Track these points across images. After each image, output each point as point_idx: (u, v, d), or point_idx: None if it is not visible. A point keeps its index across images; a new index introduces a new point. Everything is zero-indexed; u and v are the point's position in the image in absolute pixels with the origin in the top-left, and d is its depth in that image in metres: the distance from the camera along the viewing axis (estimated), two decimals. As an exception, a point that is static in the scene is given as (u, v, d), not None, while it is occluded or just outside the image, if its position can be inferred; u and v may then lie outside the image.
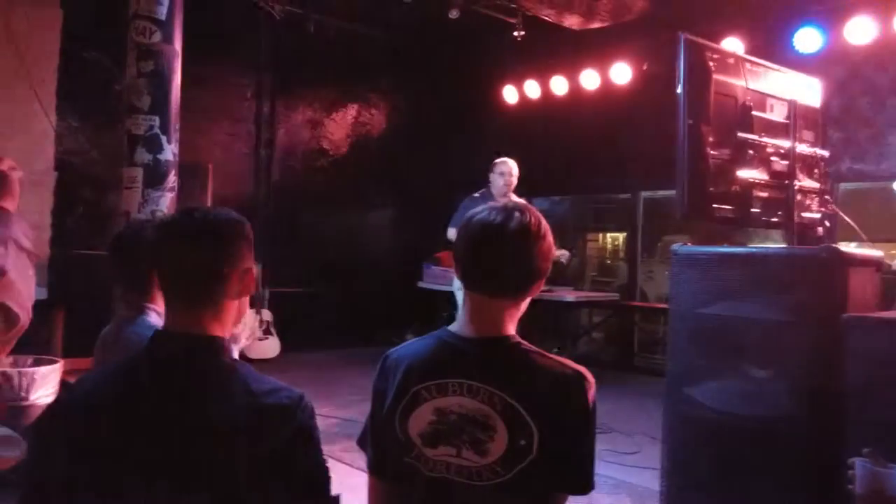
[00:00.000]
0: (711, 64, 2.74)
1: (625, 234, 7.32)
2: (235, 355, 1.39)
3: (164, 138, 3.27)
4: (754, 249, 2.11)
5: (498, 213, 1.37)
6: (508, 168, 5.09)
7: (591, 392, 1.34)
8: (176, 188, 3.44)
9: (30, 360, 4.81)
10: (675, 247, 2.01)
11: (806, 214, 2.89)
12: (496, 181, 5.10)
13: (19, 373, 4.40)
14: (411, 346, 1.47)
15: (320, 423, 1.31)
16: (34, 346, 5.19)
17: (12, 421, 4.39)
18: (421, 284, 7.17)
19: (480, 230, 1.37)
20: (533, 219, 1.37)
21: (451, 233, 4.81)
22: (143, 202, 3.29)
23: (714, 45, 2.91)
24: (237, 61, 6.77)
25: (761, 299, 1.68)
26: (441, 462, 1.33)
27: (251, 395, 1.20)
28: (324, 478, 1.27)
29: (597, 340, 7.07)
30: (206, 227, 1.27)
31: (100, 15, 5.58)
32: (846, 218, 3.02)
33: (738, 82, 2.83)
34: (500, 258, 1.36)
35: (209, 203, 5.43)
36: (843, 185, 5.51)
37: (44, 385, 4.48)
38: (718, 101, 2.73)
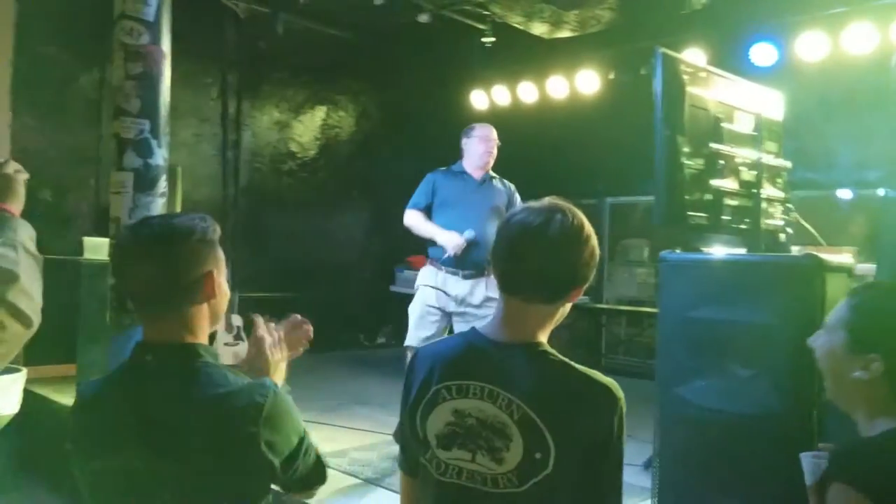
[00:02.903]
0: (685, 77, 2.86)
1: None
2: (226, 360, 1.42)
3: (154, 142, 3.23)
4: (739, 256, 2.23)
5: (538, 214, 1.31)
6: (489, 133, 4.12)
7: (619, 409, 1.27)
8: (167, 193, 3.41)
9: (-11, 367, 4.69)
10: (664, 253, 2.11)
11: (769, 222, 3.04)
12: (475, 149, 4.09)
13: (-21, 381, 4.29)
14: (440, 344, 1.45)
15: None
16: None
17: (-25, 430, 4.27)
18: (393, 288, 7.21)
19: (519, 232, 1.32)
20: (576, 221, 1.32)
21: (409, 216, 4.13)
22: (134, 207, 3.24)
23: (687, 60, 3.04)
24: (202, 60, 6.66)
25: (745, 303, 1.79)
26: (454, 466, 1.30)
27: (212, 398, 1.25)
28: (296, 455, 1.31)
29: (566, 341, 7.22)
30: (153, 237, 1.31)
31: (56, 10, 5.40)
32: (807, 225, 3.19)
33: (709, 95, 2.96)
34: (537, 263, 1.30)
35: (179, 206, 5.35)
36: (795, 193, 5.76)
37: (6, 395, 4.37)
38: (692, 114, 2.85)
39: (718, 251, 2.56)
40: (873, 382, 1.21)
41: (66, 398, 4.65)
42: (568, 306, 1.37)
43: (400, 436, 1.47)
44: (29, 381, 4.60)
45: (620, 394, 1.29)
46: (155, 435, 1.25)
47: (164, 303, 1.30)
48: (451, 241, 3.77)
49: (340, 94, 7.82)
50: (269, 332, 1.48)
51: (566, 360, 1.31)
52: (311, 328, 1.55)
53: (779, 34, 5.66)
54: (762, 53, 5.67)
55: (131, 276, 1.32)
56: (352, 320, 7.40)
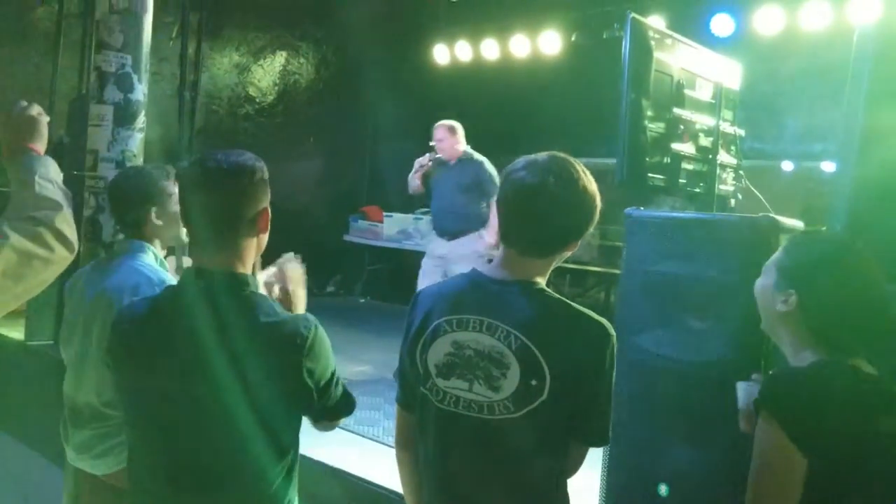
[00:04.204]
0: (653, 42, 2.95)
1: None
2: (262, 290, 1.50)
3: (135, 77, 3.19)
4: (700, 215, 2.37)
5: (535, 173, 1.36)
6: (434, 132, 4.81)
7: (611, 345, 1.35)
8: (145, 129, 3.36)
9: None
10: (629, 210, 2.23)
11: (722, 187, 3.20)
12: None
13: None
14: (443, 284, 1.54)
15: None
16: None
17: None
18: (346, 238, 7.24)
19: (516, 189, 1.37)
20: (572, 180, 1.36)
21: None
22: (113, 141, 3.20)
23: (655, 26, 3.12)
24: (164, -1, 6.45)
25: (705, 259, 1.92)
26: (451, 395, 1.37)
27: (263, 325, 1.35)
28: (329, 386, 1.42)
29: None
30: (222, 172, 1.39)
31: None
32: (756, 192, 3.36)
33: (673, 62, 3.06)
34: (530, 221, 1.37)
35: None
36: (745, 162, 6.00)
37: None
38: (657, 79, 2.95)
39: (680, 212, 2.68)
40: (792, 314, 1.34)
41: (15, 333, 4.59)
42: (566, 254, 1.44)
43: (399, 372, 1.54)
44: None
45: (613, 331, 1.38)
46: (202, 359, 1.32)
47: (222, 233, 1.38)
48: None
49: (301, 40, 7.67)
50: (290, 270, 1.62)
51: (563, 298, 1.40)
52: (298, 262, 1.69)
53: (738, 6, 5.80)
54: (721, 24, 5.82)
55: (195, 204, 1.39)
56: (306, 266, 7.40)
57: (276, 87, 7.53)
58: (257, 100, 7.41)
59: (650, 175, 2.80)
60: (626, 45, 2.85)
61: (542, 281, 1.42)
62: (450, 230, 4.72)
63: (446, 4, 6.57)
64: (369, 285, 7.59)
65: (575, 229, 1.40)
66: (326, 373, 1.41)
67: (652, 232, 2.09)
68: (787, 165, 6.19)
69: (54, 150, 5.46)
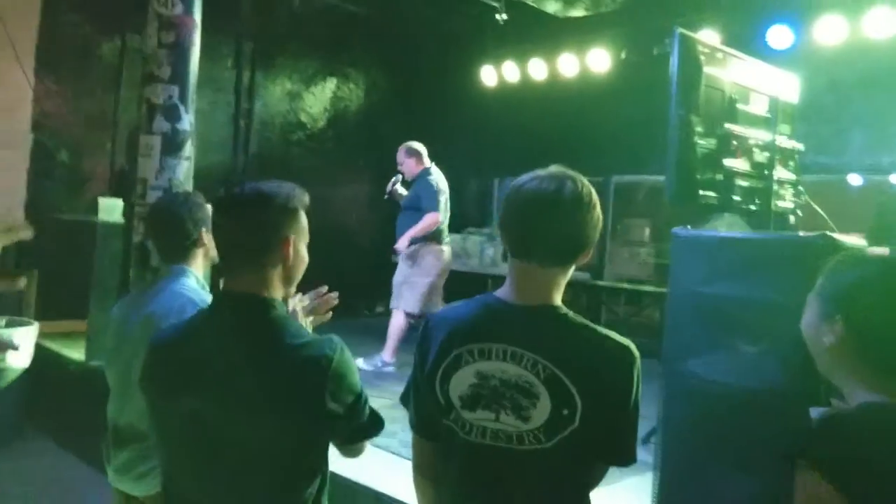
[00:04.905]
0: (702, 57, 2.87)
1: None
2: (300, 318, 1.51)
3: (182, 108, 3.30)
4: (752, 234, 2.27)
5: (550, 181, 1.36)
6: (397, 157, 5.30)
7: (637, 366, 1.34)
8: (192, 157, 3.48)
9: (3, 322, 4.76)
10: (676, 230, 2.15)
11: (780, 204, 3.07)
12: None
13: (-6, 334, 4.37)
14: (456, 308, 1.48)
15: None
16: (7, 309, 5.14)
17: (-14, 384, 4.37)
18: (396, 258, 7.26)
19: (531, 198, 1.36)
20: (584, 188, 1.37)
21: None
22: (161, 170, 3.31)
23: (704, 40, 3.05)
24: (220, 31, 6.68)
25: (757, 281, 1.82)
26: (478, 427, 1.34)
27: (287, 347, 1.35)
28: (355, 407, 1.39)
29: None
30: (240, 201, 1.44)
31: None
32: (817, 208, 3.21)
33: (724, 76, 2.97)
34: (552, 227, 1.35)
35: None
36: (806, 177, 5.78)
37: (20, 347, 4.45)
38: (707, 94, 2.87)
39: (730, 231, 2.59)
40: (841, 346, 1.21)
41: (77, 353, 4.74)
42: (583, 261, 1.42)
43: (412, 399, 1.50)
44: (41, 335, 4.69)
45: (637, 353, 1.35)
46: (229, 379, 1.34)
47: (243, 260, 1.42)
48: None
49: (351, 66, 7.81)
50: (300, 302, 1.59)
51: (585, 321, 1.37)
52: (335, 297, 1.66)
53: (796, 17, 5.62)
54: (778, 36, 5.64)
55: (221, 233, 1.45)
56: (353, 289, 7.43)
57: (327, 113, 7.68)
58: (308, 125, 7.56)
59: (702, 192, 2.72)
60: (674, 61, 2.79)
61: (559, 300, 1.40)
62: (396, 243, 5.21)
63: (493, 26, 6.58)
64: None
65: (591, 232, 1.38)
66: (351, 395, 1.39)
67: (701, 252, 2.00)
68: (856, 179, 5.94)
69: (117, 180, 5.73)
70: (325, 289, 1.66)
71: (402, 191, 5.34)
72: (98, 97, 5.77)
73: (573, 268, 1.42)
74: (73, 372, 4.61)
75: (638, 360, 1.35)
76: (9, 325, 4.67)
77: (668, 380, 1.75)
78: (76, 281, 4.75)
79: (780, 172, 3.07)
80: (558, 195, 1.35)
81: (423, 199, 5.05)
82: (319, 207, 6.45)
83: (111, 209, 4.65)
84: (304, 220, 1.48)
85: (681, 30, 2.86)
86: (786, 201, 3.08)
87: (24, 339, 4.49)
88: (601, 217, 1.40)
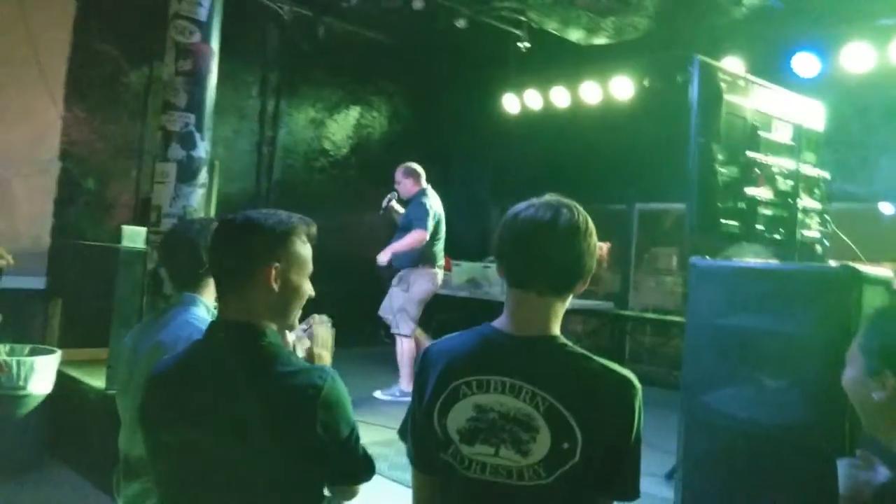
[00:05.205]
0: (723, 85, 2.84)
1: (608, 243, 7.44)
2: (297, 351, 1.49)
3: (198, 136, 3.34)
4: (772, 265, 2.21)
5: (546, 209, 1.35)
6: (395, 177, 5.46)
7: (638, 398, 1.31)
8: (207, 184, 3.51)
9: (27, 350, 4.83)
10: (693, 259, 2.10)
11: (806, 233, 3.01)
12: None
13: (17, 362, 4.42)
14: (453, 340, 1.45)
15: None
16: (31, 336, 5.21)
17: (8, 410, 4.41)
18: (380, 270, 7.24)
19: (528, 226, 1.34)
20: (581, 216, 1.36)
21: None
22: (175, 197, 3.34)
23: (725, 68, 3.02)
24: (246, 60, 6.81)
25: (778, 312, 1.76)
26: (477, 462, 1.31)
27: (277, 375, 1.34)
28: (348, 443, 1.37)
29: (588, 349, 7.15)
30: (230, 228, 1.45)
31: (112, 10, 5.63)
32: (844, 237, 3.14)
33: (746, 103, 2.94)
34: (549, 256, 1.34)
35: (214, 199, 5.45)
36: (833, 205, 5.67)
37: (41, 375, 4.50)
38: (728, 121, 2.84)
39: (750, 261, 2.54)
40: (893, 401, 1.17)
41: (97, 381, 4.76)
42: (580, 290, 1.40)
43: (410, 433, 1.47)
44: (63, 362, 4.73)
45: (638, 384, 1.33)
46: (219, 409, 1.32)
47: (230, 287, 1.42)
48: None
49: (375, 94, 7.89)
50: (298, 340, 1.59)
51: (585, 352, 1.35)
52: (326, 321, 1.73)
53: (822, 44, 5.57)
54: (804, 63, 5.58)
55: (212, 260, 1.47)
56: (374, 316, 7.44)
57: (350, 140, 7.74)
58: (332, 153, 7.62)
59: (724, 221, 2.67)
60: (693, 89, 2.77)
61: (558, 331, 1.38)
62: (393, 264, 5.33)
63: (516, 54, 6.61)
64: (438, 335, 7.49)
65: (589, 260, 1.37)
66: (343, 428, 1.36)
67: (719, 283, 1.95)
68: (887, 208, 5.80)
69: (141, 207, 5.80)
70: (315, 317, 1.66)
71: (399, 208, 5.47)
72: (125, 125, 5.88)
73: (571, 297, 1.40)
74: (93, 400, 4.62)
75: (639, 392, 1.32)
76: (32, 352, 4.74)
77: (688, 413, 1.69)
78: (100, 308, 4.80)
79: (805, 201, 3.01)
80: (554, 223, 1.33)
81: (415, 220, 5.16)
82: (342, 234, 6.55)
83: (134, 236, 4.70)
84: (297, 248, 1.44)
85: (701, 57, 2.84)
86: (811, 230, 3.02)
87: (47, 367, 4.55)
88: (596, 245, 1.39)
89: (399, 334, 5.17)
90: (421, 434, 1.42)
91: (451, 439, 1.34)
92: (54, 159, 5.57)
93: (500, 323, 1.40)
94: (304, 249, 1.46)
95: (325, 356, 1.60)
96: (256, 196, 6.96)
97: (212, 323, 1.45)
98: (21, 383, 4.41)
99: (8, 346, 4.73)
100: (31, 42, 5.17)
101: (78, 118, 5.69)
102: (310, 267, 1.48)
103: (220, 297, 1.44)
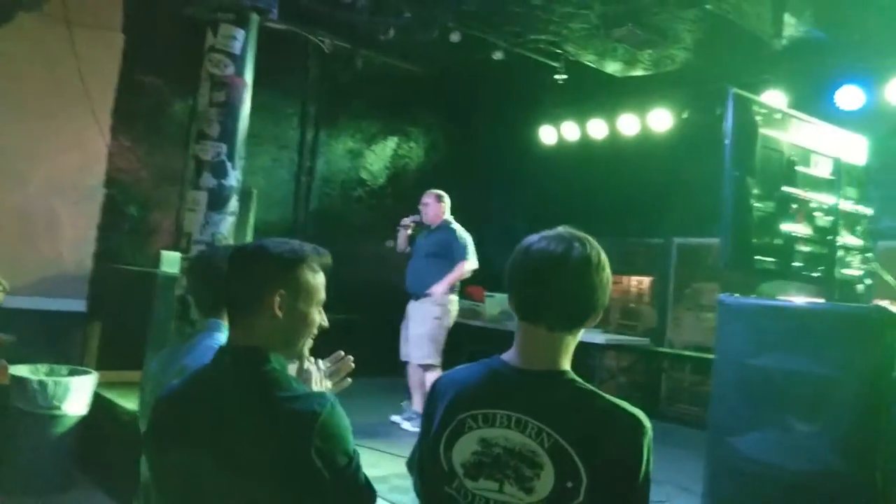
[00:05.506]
0: (758, 118, 2.79)
1: (650, 277, 7.30)
2: (312, 384, 1.48)
3: (229, 165, 3.42)
4: (804, 304, 2.13)
5: (558, 242, 1.32)
6: (423, 197, 5.46)
7: (648, 439, 1.27)
8: (237, 213, 3.57)
9: (65, 371, 4.94)
10: (722, 297, 2.03)
11: (846, 271, 2.90)
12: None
13: (54, 382, 4.52)
14: (461, 371, 1.43)
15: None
16: (70, 358, 5.32)
17: (44, 430, 4.49)
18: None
19: (540, 259, 1.32)
20: (593, 249, 1.33)
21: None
22: (205, 224, 3.41)
23: (761, 101, 2.96)
24: (286, 92, 6.97)
25: (809, 353, 1.69)
26: (481, 497, 1.29)
27: (276, 400, 1.34)
28: (346, 471, 1.34)
29: (622, 386, 7.02)
30: (239, 254, 1.47)
31: (158, 42, 5.84)
32: (888, 277, 3.02)
33: (783, 137, 2.87)
34: (561, 290, 1.31)
35: (251, 228, 5.55)
36: (882, 243, 5.47)
37: (77, 396, 4.59)
38: (764, 155, 2.78)
39: (796, 298, 2.46)
40: None
41: (132, 403, 4.82)
42: (591, 325, 1.36)
43: (417, 464, 1.45)
44: (99, 384, 4.82)
45: (648, 423, 1.28)
46: (217, 432, 1.33)
47: (237, 312, 1.44)
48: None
49: (412, 125, 7.98)
50: (314, 367, 1.58)
51: (594, 388, 1.31)
52: (351, 361, 1.64)
53: (867, 77, 5.44)
54: (848, 97, 5.46)
55: (225, 285, 1.48)
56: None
57: (387, 171, 7.81)
58: (369, 182, 7.70)
59: (758, 258, 2.60)
60: (728, 122, 2.73)
61: (568, 366, 1.35)
62: (414, 291, 5.21)
63: (552, 86, 6.62)
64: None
65: (601, 295, 1.34)
66: (340, 455, 1.34)
67: (748, 321, 1.88)
68: (938, 246, 5.58)
69: (180, 234, 5.88)
70: (341, 354, 1.64)
71: (408, 231, 5.46)
72: (168, 154, 6.04)
73: (582, 331, 1.37)
74: (125, 422, 4.68)
75: (649, 431, 1.27)
76: (70, 373, 4.84)
77: (713, 456, 1.62)
78: (138, 331, 4.88)
79: (845, 238, 2.92)
80: (566, 257, 1.30)
81: (456, 251, 5.13)
82: (376, 263, 6.53)
83: (172, 262, 4.79)
84: (305, 277, 1.44)
85: (735, 90, 2.80)
86: (852, 269, 2.91)
87: (83, 388, 4.64)
88: (610, 279, 1.35)
89: (428, 364, 5.08)
90: (427, 466, 1.40)
91: (456, 473, 1.32)
92: (100, 186, 5.74)
93: (508, 356, 1.38)
94: (314, 279, 1.46)
95: (322, 388, 1.58)
96: (294, 225, 7.05)
97: (220, 347, 1.47)
98: (57, 403, 4.50)
99: (47, 367, 4.84)
100: (80, 74, 5.37)
101: (123, 147, 5.87)
102: (320, 296, 1.48)
103: (230, 323, 1.46)
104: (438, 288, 5.05)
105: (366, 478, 1.40)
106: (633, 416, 1.28)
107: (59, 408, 4.54)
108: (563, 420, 1.26)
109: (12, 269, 4.47)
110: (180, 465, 1.35)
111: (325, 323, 1.49)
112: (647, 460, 1.26)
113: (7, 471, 4.45)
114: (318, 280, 1.47)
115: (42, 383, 4.49)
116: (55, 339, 5.26)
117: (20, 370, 4.57)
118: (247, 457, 1.29)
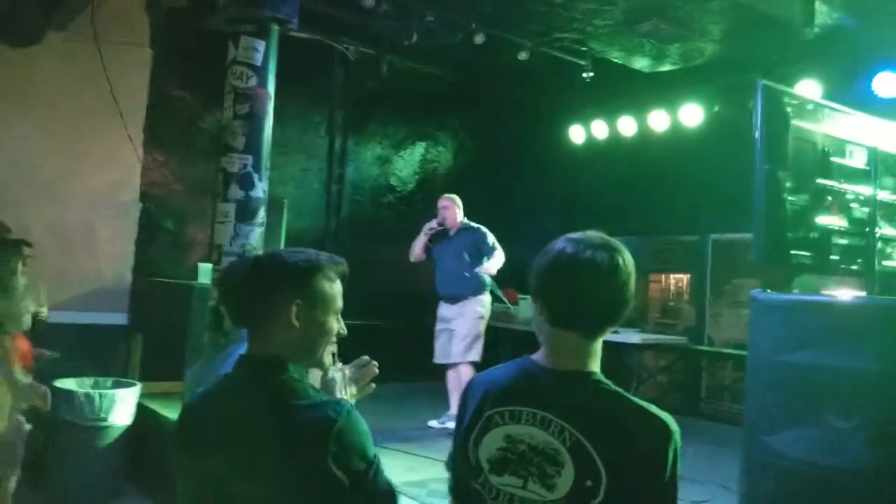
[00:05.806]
0: (789, 109, 2.73)
1: (688, 275, 7.18)
2: (336, 391, 1.50)
3: (255, 176, 3.47)
4: (837, 298, 2.07)
5: (586, 247, 1.33)
6: (440, 202, 5.57)
7: (674, 443, 1.25)
8: (265, 223, 3.62)
9: (109, 383, 5.07)
10: (754, 293, 2.00)
11: (887, 263, 2.83)
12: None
13: (99, 394, 4.63)
14: (494, 371, 1.46)
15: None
16: (114, 370, 5.45)
17: (91, 441, 4.61)
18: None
19: (568, 266, 1.32)
20: (620, 254, 1.34)
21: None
22: (235, 236, 3.46)
23: (792, 91, 2.90)
24: (313, 100, 7.04)
25: (844, 348, 1.65)
26: (505, 493, 1.31)
27: (292, 408, 1.35)
28: (364, 477, 1.34)
29: (661, 385, 6.92)
30: (254, 268, 1.48)
31: (186, 57, 5.95)
32: (930, 268, 2.93)
33: (816, 128, 2.81)
34: (590, 296, 1.31)
35: (283, 237, 5.62)
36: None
37: (122, 407, 4.70)
38: (796, 147, 2.72)
39: (838, 292, 2.40)
40: None
41: (173, 413, 4.91)
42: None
43: (451, 461, 1.48)
44: (143, 395, 4.93)
45: (675, 427, 1.26)
46: (235, 440, 1.35)
47: (255, 322, 1.45)
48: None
49: (439, 129, 7.99)
50: (339, 373, 1.58)
51: (620, 390, 1.32)
52: (376, 367, 1.63)
53: (905, 62, 5.28)
54: (885, 83, 5.30)
55: (243, 295, 1.48)
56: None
57: (416, 176, 7.84)
58: (398, 188, 7.74)
59: (794, 252, 2.55)
60: (757, 115, 2.67)
61: (597, 367, 1.35)
62: (453, 294, 5.31)
63: (580, 84, 6.57)
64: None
65: (632, 297, 1.35)
66: (358, 461, 1.33)
67: (782, 317, 1.84)
68: None
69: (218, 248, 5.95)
70: (365, 359, 1.64)
71: (430, 232, 5.48)
72: (200, 167, 6.14)
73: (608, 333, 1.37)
74: (169, 431, 4.77)
75: (675, 435, 1.26)
76: (114, 385, 4.96)
77: (749, 454, 1.58)
78: (178, 342, 4.98)
79: (884, 229, 2.84)
80: (594, 262, 1.31)
81: (485, 246, 5.31)
82: (408, 268, 6.55)
83: (208, 273, 4.88)
84: (321, 286, 1.45)
85: (764, 81, 2.74)
86: (893, 260, 2.84)
87: (127, 399, 4.75)
88: (635, 280, 1.36)
89: (470, 362, 5.16)
90: (459, 462, 1.43)
91: (482, 468, 1.34)
92: (135, 201, 5.88)
93: (538, 356, 1.40)
94: (331, 287, 1.47)
95: (346, 394, 1.58)
96: (325, 233, 7.12)
97: (240, 356, 1.48)
98: (103, 415, 4.61)
99: (92, 380, 4.97)
100: (111, 91, 5.50)
101: (157, 161, 6.01)
102: (337, 305, 1.48)
103: (249, 333, 1.47)
104: (490, 267, 5.25)
105: (388, 483, 1.40)
106: (657, 418, 1.27)
107: (105, 419, 4.65)
108: (585, 419, 1.27)
109: (55, 285, 4.59)
110: (202, 473, 1.38)
111: (344, 331, 1.50)
112: (672, 465, 1.24)
113: (56, 482, 4.57)
114: (335, 289, 1.48)
115: (88, 396, 4.61)
116: (98, 352, 5.39)
117: (66, 383, 4.69)
118: (264, 465, 1.30)
